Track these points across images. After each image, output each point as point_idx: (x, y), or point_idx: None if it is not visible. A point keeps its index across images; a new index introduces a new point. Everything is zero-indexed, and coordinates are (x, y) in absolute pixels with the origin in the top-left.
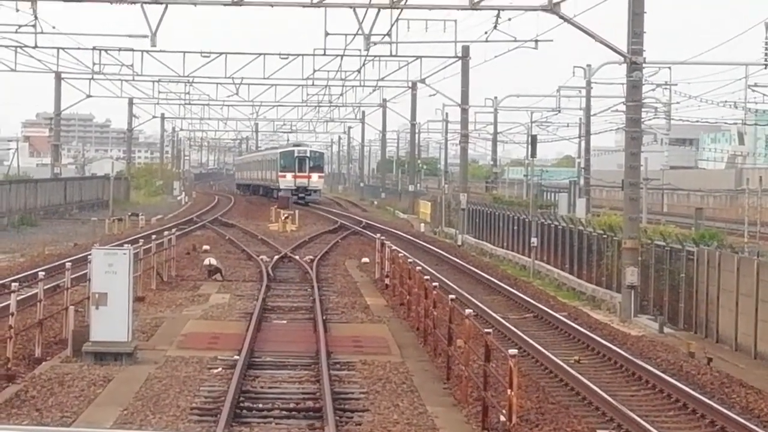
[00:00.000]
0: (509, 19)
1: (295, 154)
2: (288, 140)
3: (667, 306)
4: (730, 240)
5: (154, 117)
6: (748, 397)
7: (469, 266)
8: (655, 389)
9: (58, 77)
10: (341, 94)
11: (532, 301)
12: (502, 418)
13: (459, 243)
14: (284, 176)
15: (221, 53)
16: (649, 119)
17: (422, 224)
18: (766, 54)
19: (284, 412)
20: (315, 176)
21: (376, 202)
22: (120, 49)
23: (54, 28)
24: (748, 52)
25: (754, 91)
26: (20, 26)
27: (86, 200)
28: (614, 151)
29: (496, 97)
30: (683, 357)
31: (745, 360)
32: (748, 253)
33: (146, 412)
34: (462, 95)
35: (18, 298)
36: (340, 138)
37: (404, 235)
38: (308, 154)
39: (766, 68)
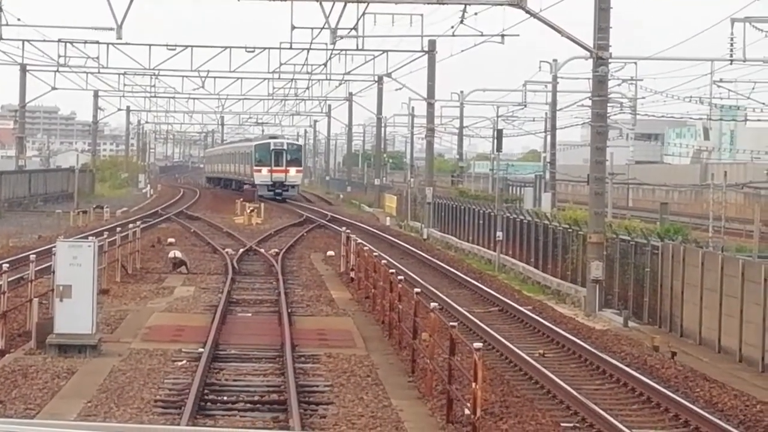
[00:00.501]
0: (476, 14)
1: (271, 147)
2: (263, 131)
3: (632, 300)
4: (694, 235)
5: (119, 110)
6: (712, 391)
7: (434, 260)
8: (620, 383)
9: (23, 69)
10: (307, 88)
11: (497, 294)
12: (467, 411)
13: (425, 237)
14: (259, 170)
15: (187, 46)
16: (615, 114)
17: (388, 218)
18: (731, 50)
19: (249, 405)
20: (293, 170)
21: (341, 196)
22: (85, 42)
23: (19, 20)
24: (713, 48)
25: (719, 86)
26: None
27: (51, 192)
28: (580, 146)
29: (462, 92)
30: (647, 351)
31: (709, 354)
32: (713, 248)
33: (110, 404)
34: (428, 89)
35: None
36: (306, 132)
37: (370, 228)
38: (285, 147)
39: (731, 64)
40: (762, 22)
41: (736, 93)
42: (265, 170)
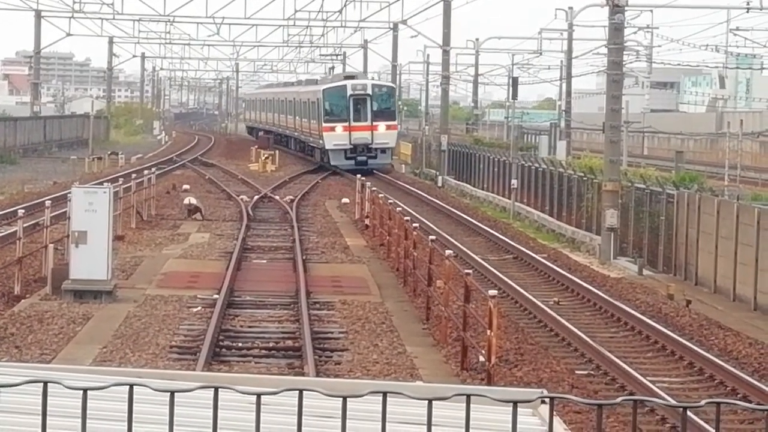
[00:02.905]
0: None
1: (349, 92)
2: (328, 71)
3: (647, 248)
4: (710, 183)
5: (134, 56)
6: (727, 339)
7: (449, 207)
8: (634, 331)
9: (38, 15)
10: (322, 35)
11: (512, 242)
12: (482, 359)
13: (439, 184)
14: (332, 128)
15: None
16: (631, 62)
17: (403, 165)
18: None
19: (264, 351)
20: (382, 126)
21: None
22: None
23: None
24: None
25: (735, 34)
26: None
27: (66, 139)
28: (595, 94)
29: (477, 39)
30: (662, 299)
31: (723, 302)
32: (728, 196)
33: (125, 350)
34: (443, 37)
35: None
36: None
37: (384, 176)
38: (370, 91)
39: (748, 12)
40: None
41: (752, 41)
42: (339, 128)
